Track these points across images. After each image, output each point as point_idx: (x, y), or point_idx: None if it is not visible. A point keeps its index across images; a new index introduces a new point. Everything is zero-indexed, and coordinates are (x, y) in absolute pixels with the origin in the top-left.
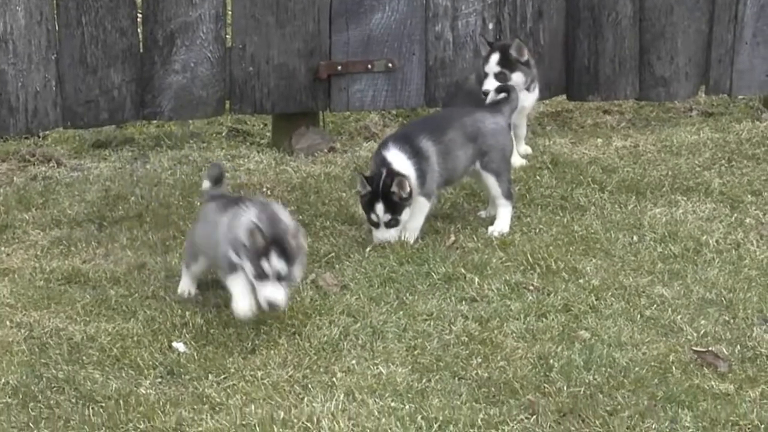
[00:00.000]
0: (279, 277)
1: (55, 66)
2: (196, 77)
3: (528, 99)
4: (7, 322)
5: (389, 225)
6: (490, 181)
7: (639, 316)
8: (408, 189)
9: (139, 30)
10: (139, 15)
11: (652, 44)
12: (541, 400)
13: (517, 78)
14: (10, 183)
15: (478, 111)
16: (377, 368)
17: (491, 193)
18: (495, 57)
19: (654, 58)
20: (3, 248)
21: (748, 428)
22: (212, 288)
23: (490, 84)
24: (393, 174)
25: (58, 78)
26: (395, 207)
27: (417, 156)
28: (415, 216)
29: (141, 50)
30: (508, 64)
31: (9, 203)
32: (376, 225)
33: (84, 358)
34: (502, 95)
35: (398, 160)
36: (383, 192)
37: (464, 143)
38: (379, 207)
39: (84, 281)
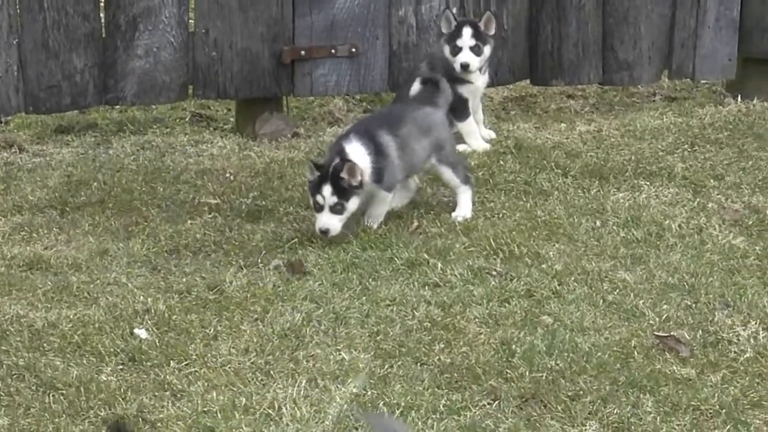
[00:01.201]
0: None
1: (17, 51)
2: (159, 62)
3: (480, 80)
4: None
5: (334, 210)
6: (448, 173)
7: (601, 301)
8: (359, 177)
9: (101, 14)
10: None
11: (616, 28)
12: (503, 386)
13: (487, 51)
14: None
15: (426, 106)
16: (340, 354)
17: (451, 184)
18: (468, 30)
19: (617, 42)
20: None
21: (709, 413)
22: (174, 274)
23: (467, 56)
24: (345, 160)
25: (19, 63)
26: (343, 192)
27: (376, 150)
28: (378, 205)
29: (103, 35)
30: (480, 36)
31: None
32: (320, 208)
33: (45, 345)
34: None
35: (357, 152)
36: (332, 175)
37: (419, 137)
38: (327, 189)
39: (46, 267)
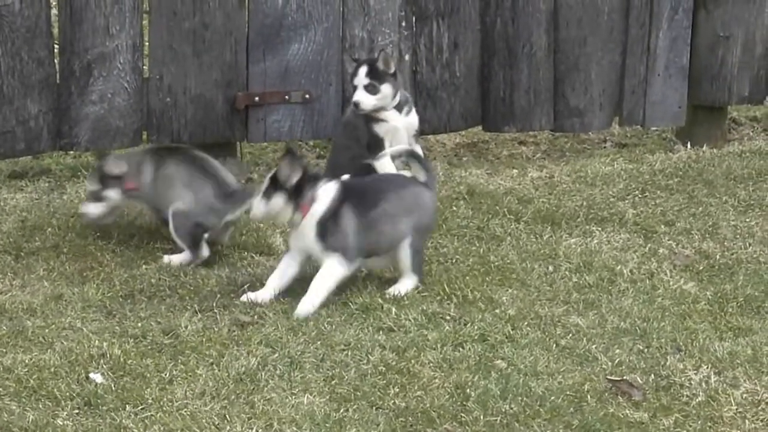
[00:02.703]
0: None
1: None
2: (114, 108)
3: (399, 120)
4: None
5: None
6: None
7: (555, 345)
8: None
9: (56, 60)
10: (56, 45)
11: (567, 75)
12: (458, 429)
13: (386, 89)
14: None
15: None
16: (296, 398)
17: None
18: (363, 69)
19: (568, 89)
20: None
21: None
22: (130, 319)
23: (359, 95)
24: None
25: None
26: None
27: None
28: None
29: (58, 80)
30: (376, 75)
31: None
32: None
33: (0, 389)
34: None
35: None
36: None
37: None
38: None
39: (0, 312)
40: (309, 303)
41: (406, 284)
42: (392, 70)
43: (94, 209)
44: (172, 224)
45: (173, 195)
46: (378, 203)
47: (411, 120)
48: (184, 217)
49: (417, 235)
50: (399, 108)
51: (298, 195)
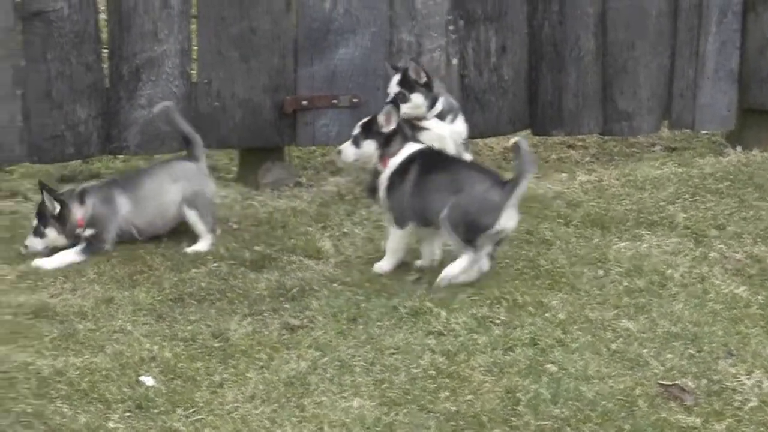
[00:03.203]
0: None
1: (21, 101)
2: (162, 112)
3: (443, 128)
4: None
5: None
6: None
7: (605, 349)
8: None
9: (104, 65)
10: (105, 50)
11: (615, 79)
12: None
13: (416, 99)
14: None
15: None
16: (345, 402)
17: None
18: (396, 78)
19: (617, 92)
20: None
21: None
22: (179, 322)
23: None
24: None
25: (24, 113)
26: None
27: None
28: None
29: (107, 85)
30: (407, 85)
31: None
32: None
33: (52, 392)
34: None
35: None
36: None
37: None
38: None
39: (52, 315)
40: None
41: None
42: (423, 80)
43: None
44: None
45: None
46: (432, 172)
47: (456, 128)
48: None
49: (454, 213)
50: (442, 116)
51: (387, 145)
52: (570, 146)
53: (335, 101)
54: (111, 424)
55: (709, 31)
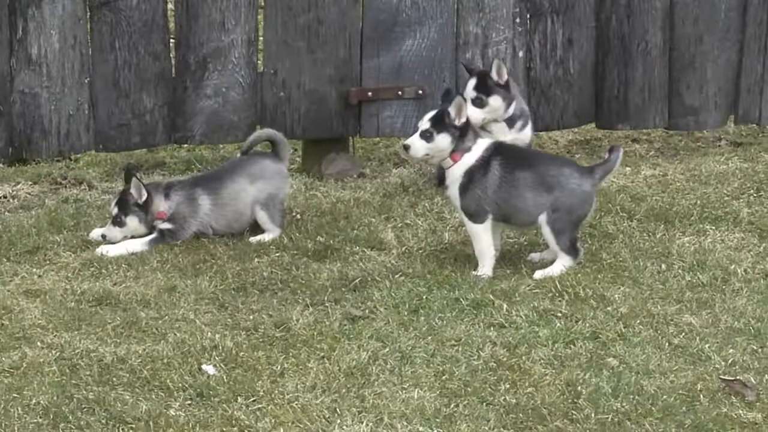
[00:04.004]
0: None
1: (89, 90)
2: (228, 102)
3: (507, 134)
4: (38, 343)
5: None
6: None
7: (667, 344)
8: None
9: (171, 54)
10: (172, 40)
11: (682, 74)
12: (569, 427)
13: (494, 102)
14: (42, 205)
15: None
16: (406, 393)
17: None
18: (472, 82)
19: (683, 87)
20: (35, 270)
21: None
22: (242, 312)
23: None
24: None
25: (90, 101)
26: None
27: None
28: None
29: (173, 74)
30: (484, 88)
31: (41, 225)
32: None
33: (114, 379)
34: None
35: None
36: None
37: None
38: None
39: (115, 303)
40: (483, 268)
41: (556, 265)
42: (504, 80)
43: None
44: None
45: None
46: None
47: (521, 136)
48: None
49: (556, 215)
50: (512, 121)
51: (461, 140)
52: (635, 140)
53: (400, 93)
54: (172, 412)
55: None
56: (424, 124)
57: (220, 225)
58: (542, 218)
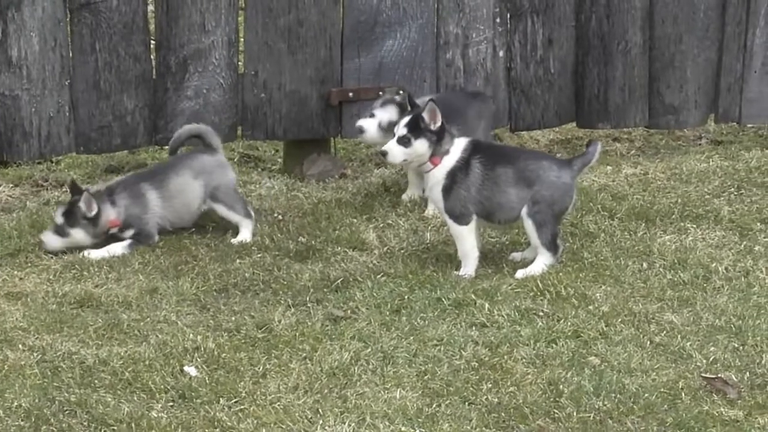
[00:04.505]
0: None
1: (69, 91)
2: (209, 103)
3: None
4: (20, 346)
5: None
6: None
7: (648, 342)
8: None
9: (152, 56)
10: (153, 41)
11: (662, 73)
12: (551, 426)
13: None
14: (23, 207)
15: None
16: (388, 393)
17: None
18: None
19: (663, 86)
20: (16, 272)
21: None
22: (224, 313)
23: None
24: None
25: (71, 103)
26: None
27: None
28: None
29: (154, 76)
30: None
31: (22, 227)
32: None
33: (96, 381)
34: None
35: None
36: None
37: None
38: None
39: (96, 305)
40: (466, 268)
41: (537, 262)
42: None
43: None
44: None
45: None
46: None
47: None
48: None
49: (537, 207)
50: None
51: (438, 144)
52: (615, 139)
53: (381, 93)
54: (154, 414)
55: (756, 25)
56: (401, 130)
57: (172, 218)
58: (524, 211)
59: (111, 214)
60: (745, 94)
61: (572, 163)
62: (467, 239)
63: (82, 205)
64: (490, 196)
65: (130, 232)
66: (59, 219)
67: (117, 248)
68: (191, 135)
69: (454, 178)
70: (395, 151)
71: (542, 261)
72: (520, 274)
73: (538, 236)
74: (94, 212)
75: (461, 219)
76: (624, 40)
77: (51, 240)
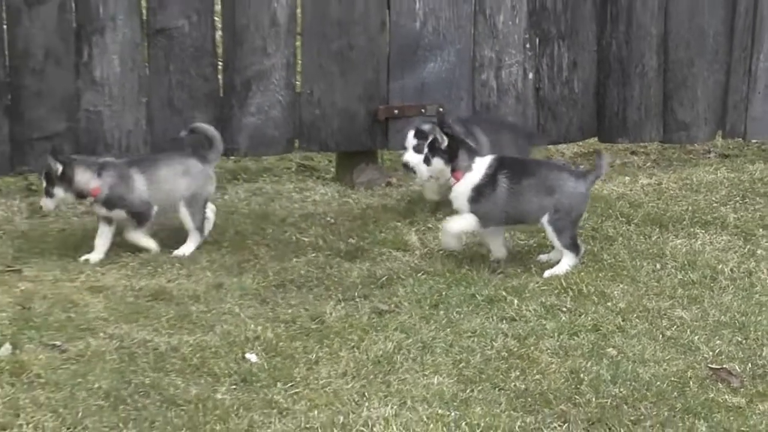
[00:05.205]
0: None
1: (146, 108)
2: (269, 119)
3: None
4: (101, 334)
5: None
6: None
7: (661, 335)
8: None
9: (219, 76)
10: (220, 63)
11: (675, 93)
12: (572, 410)
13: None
14: None
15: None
16: (427, 379)
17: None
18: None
19: (677, 105)
20: (98, 269)
21: None
22: (281, 306)
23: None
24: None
25: (147, 118)
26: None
27: None
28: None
29: (221, 94)
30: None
31: None
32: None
33: (168, 366)
34: None
35: None
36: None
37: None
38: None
39: (168, 298)
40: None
41: (562, 264)
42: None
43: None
44: None
45: None
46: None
47: None
48: None
49: (557, 215)
50: None
51: (453, 160)
52: (633, 152)
53: (423, 110)
54: (219, 396)
55: (760, 51)
56: (424, 149)
57: (157, 203)
58: (545, 219)
59: (92, 182)
60: (749, 112)
61: (587, 176)
62: (469, 228)
63: (50, 164)
64: (516, 206)
65: (120, 213)
66: (43, 182)
67: (136, 236)
68: (206, 134)
69: (480, 192)
70: (422, 169)
71: (566, 262)
72: (547, 274)
73: (559, 240)
74: (59, 171)
75: (485, 224)
76: (641, 63)
77: (45, 202)
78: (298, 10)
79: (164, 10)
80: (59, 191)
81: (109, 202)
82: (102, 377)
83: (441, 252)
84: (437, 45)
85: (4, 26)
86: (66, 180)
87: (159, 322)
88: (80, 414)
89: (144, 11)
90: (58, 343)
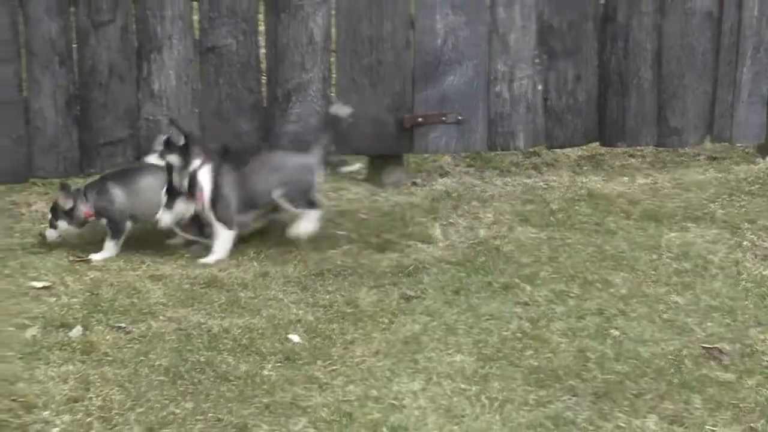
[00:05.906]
0: None
1: (198, 117)
2: (308, 126)
3: None
4: (161, 317)
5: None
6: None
7: (658, 318)
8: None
9: (263, 89)
10: (264, 77)
11: (668, 102)
12: (580, 385)
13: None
14: None
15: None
16: (450, 357)
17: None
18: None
19: (669, 113)
20: (158, 259)
21: (747, 409)
22: (320, 292)
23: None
24: None
25: (200, 127)
26: None
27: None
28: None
29: (264, 104)
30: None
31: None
32: None
33: (220, 345)
34: None
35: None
36: None
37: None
38: None
39: (220, 285)
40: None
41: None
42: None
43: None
44: None
45: None
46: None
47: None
48: None
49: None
50: None
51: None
52: (631, 155)
53: (444, 118)
54: (265, 372)
55: (744, 63)
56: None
57: (142, 212)
58: (276, 194)
59: (84, 208)
60: (735, 119)
61: (310, 150)
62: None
63: (60, 201)
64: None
65: (104, 221)
66: (49, 215)
67: (110, 246)
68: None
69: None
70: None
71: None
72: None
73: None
74: (69, 206)
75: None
76: (638, 76)
77: (49, 233)
78: (333, 30)
79: (214, 30)
80: (63, 224)
81: (99, 215)
82: (162, 355)
83: (461, 244)
84: (456, 60)
85: (74, 45)
86: (71, 214)
87: (212, 307)
88: (143, 388)
89: (197, 32)
90: (123, 325)
